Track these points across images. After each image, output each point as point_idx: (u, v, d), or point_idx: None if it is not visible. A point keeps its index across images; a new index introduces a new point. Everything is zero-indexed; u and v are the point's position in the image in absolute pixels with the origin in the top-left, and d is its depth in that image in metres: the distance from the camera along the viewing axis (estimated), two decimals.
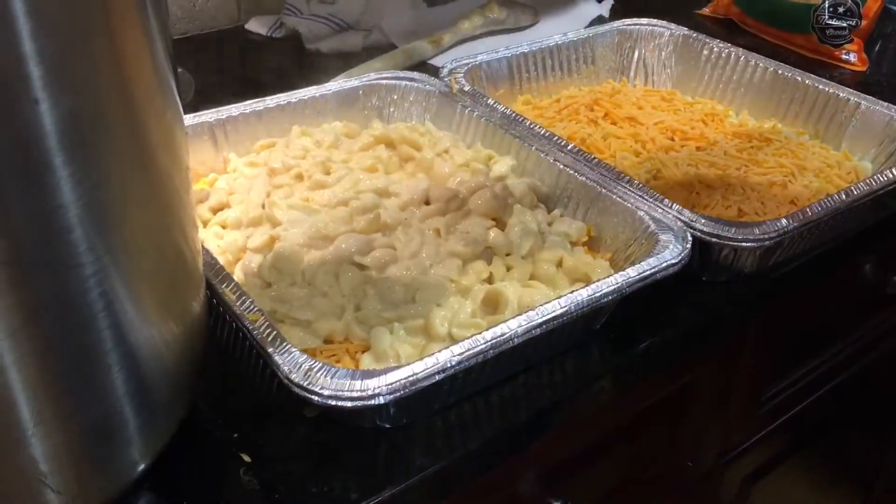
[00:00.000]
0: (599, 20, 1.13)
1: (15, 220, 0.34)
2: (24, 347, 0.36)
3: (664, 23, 0.97)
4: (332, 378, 0.46)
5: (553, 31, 0.99)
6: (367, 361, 0.53)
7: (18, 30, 0.31)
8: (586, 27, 1.08)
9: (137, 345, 0.41)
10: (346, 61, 0.99)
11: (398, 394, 0.46)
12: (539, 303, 0.52)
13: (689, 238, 0.59)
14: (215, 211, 0.66)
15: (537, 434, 0.57)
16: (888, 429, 1.18)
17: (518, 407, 0.55)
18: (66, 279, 0.36)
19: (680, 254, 0.57)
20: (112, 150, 0.37)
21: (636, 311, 0.61)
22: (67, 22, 0.33)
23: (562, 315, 0.51)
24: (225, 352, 0.56)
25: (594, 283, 0.54)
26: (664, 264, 0.56)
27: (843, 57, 1.04)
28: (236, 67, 1.02)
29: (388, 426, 0.52)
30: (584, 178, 0.67)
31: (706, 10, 1.19)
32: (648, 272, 0.55)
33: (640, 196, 0.64)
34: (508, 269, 0.60)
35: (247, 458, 0.51)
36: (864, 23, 1.02)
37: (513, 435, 0.55)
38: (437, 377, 0.47)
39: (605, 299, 0.53)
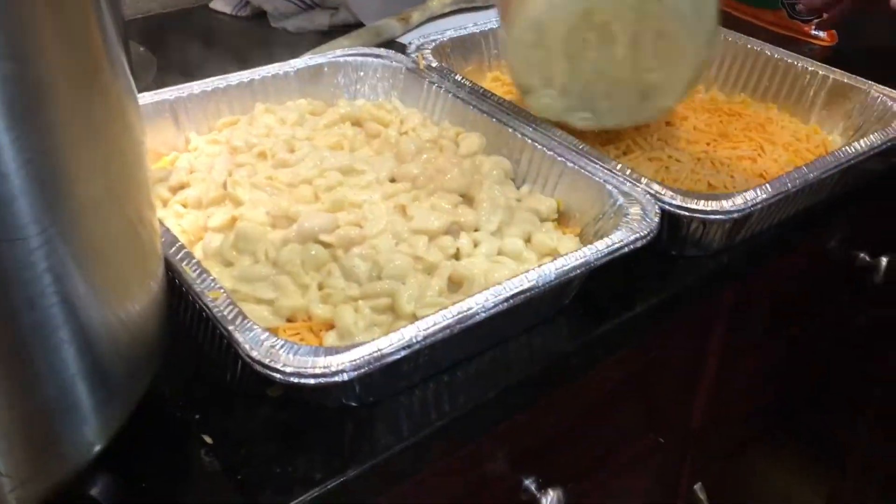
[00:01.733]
0: None
1: None
2: None
3: None
4: (294, 355, 0.45)
5: None
6: (330, 339, 0.52)
7: None
8: None
9: (90, 322, 0.40)
10: (313, 40, 0.97)
11: (362, 370, 0.45)
12: (506, 278, 0.52)
13: (658, 211, 0.59)
14: (175, 190, 0.64)
15: (506, 412, 0.56)
16: (860, 406, 1.19)
17: (486, 384, 0.54)
18: (9, 252, 0.35)
19: (648, 227, 0.57)
20: (57, 119, 0.36)
21: (606, 286, 0.61)
22: None
23: (529, 289, 0.50)
24: (188, 333, 0.55)
25: (562, 257, 0.54)
26: (633, 237, 0.56)
27: (813, 32, 1.04)
28: (200, 47, 1.00)
29: (353, 404, 0.51)
30: (552, 154, 0.66)
31: None
32: (617, 245, 0.55)
33: (608, 170, 0.64)
34: (476, 244, 0.59)
35: (208, 440, 0.50)
36: None
37: (481, 413, 0.54)
38: (401, 353, 0.46)
39: (573, 273, 0.53)
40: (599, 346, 0.60)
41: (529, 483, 0.66)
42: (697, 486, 0.92)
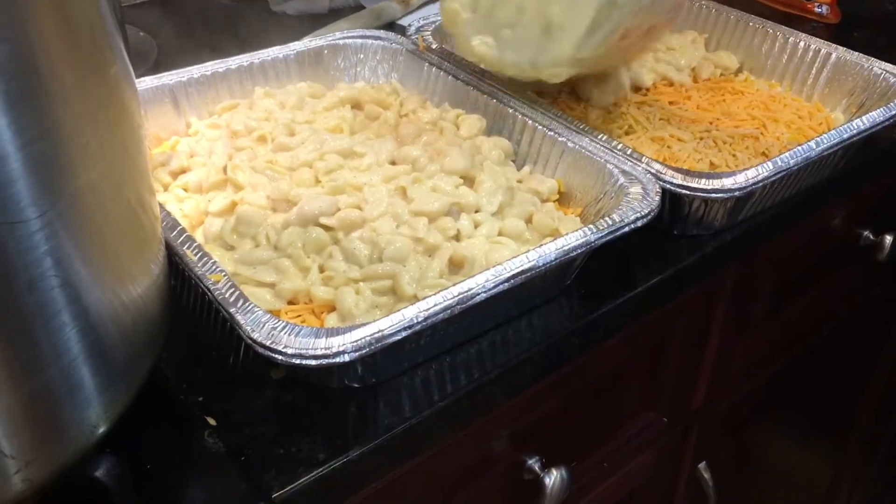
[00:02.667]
0: None
1: None
2: None
3: None
4: (296, 337, 0.45)
5: None
6: (332, 321, 0.52)
7: None
8: None
9: (91, 305, 0.40)
10: (312, 23, 0.97)
11: (363, 351, 0.45)
12: (507, 259, 0.52)
13: (659, 190, 0.58)
14: (176, 175, 0.64)
15: (509, 392, 0.56)
16: (863, 380, 1.19)
17: (489, 364, 0.54)
18: (9, 236, 0.35)
19: (649, 206, 0.57)
20: (54, 102, 0.36)
21: (608, 266, 0.61)
22: None
23: (530, 269, 0.50)
24: (191, 316, 0.55)
25: (563, 237, 0.54)
26: (633, 216, 0.55)
27: (816, 10, 1.03)
28: (200, 31, 1.00)
29: (356, 385, 0.51)
30: (553, 134, 0.66)
31: None
32: (618, 225, 0.55)
33: (609, 150, 0.64)
34: (477, 225, 0.59)
35: (212, 422, 0.50)
36: None
37: (483, 393, 0.54)
38: (403, 334, 0.46)
39: (574, 252, 0.53)
40: (601, 326, 0.60)
41: (533, 462, 0.66)
42: (702, 465, 0.92)
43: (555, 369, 0.60)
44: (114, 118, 0.41)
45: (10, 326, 0.37)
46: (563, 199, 0.65)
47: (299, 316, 0.53)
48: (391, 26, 0.98)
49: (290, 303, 0.55)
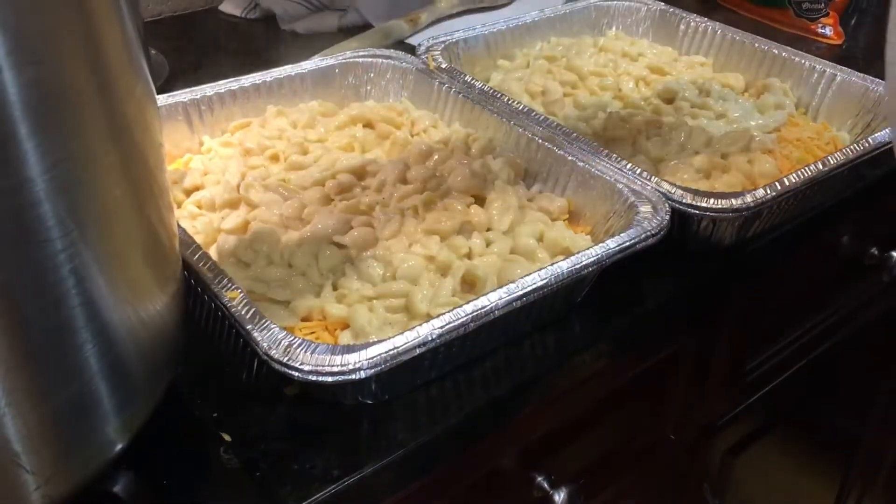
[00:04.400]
0: None
1: None
2: None
3: None
4: (312, 354, 0.46)
5: (530, 9, 0.98)
6: (346, 338, 0.53)
7: None
8: (563, 3, 1.07)
9: (111, 323, 0.41)
10: (322, 42, 0.98)
11: (379, 368, 0.45)
12: (519, 276, 0.52)
13: (668, 209, 0.59)
14: (189, 192, 0.65)
15: (519, 408, 0.57)
16: (868, 400, 1.19)
17: (499, 381, 0.55)
18: (34, 255, 0.36)
19: (659, 224, 0.57)
20: (80, 124, 0.36)
21: (617, 284, 0.61)
22: None
23: (542, 287, 0.51)
24: (204, 333, 0.56)
25: (574, 255, 0.54)
26: (644, 235, 0.56)
27: (819, 31, 1.04)
28: (211, 49, 1.01)
29: (369, 402, 0.52)
30: (562, 153, 0.67)
31: None
32: (628, 243, 0.55)
33: (618, 169, 0.64)
34: (488, 244, 0.60)
35: (227, 438, 0.50)
36: None
37: (494, 409, 0.54)
38: (417, 350, 0.47)
39: (586, 271, 0.53)
40: (611, 343, 0.61)
41: (542, 480, 0.66)
42: (707, 482, 0.92)
43: (565, 386, 0.60)
44: (137, 138, 0.42)
45: (32, 344, 0.38)
46: (572, 217, 0.66)
47: (313, 333, 0.54)
48: (400, 45, 0.99)
49: (304, 320, 0.55)
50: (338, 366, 0.45)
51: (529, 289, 0.50)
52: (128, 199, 0.42)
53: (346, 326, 0.54)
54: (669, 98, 0.80)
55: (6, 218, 0.34)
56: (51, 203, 0.36)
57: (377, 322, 0.53)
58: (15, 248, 0.35)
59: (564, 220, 0.65)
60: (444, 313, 0.49)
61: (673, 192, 0.61)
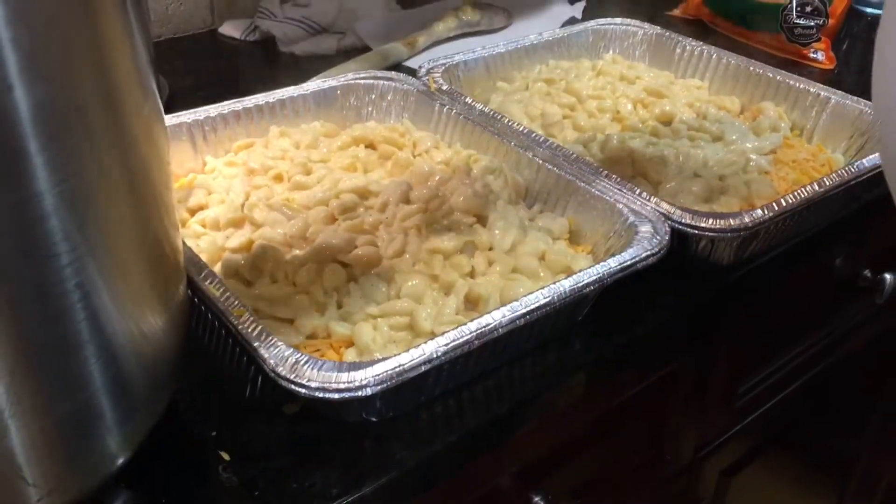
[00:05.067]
0: (572, 22, 1.14)
1: None
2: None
3: (637, 22, 0.99)
4: (318, 371, 0.46)
5: (526, 32, 1.00)
6: (350, 356, 0.53)
7: None
8: (560, 27, 1.09)
9: (115, 337, 0.41)
10: (320, 64, 0.99)
11: (384, 385, 0.46)
12: (522, 295, 0.53)
13: (668, 229, 0.60)
14: (194, 212, 0.66)
15: (518, 426, 0.57)
16: (863, 421, 1.20)
17: (500, 399, 0.55)
18: (41, 269, 0.36)
19: (659, 244, 0.58)
20: (89, 140, 0.37)
21: (617, 303, 0.62)
22: (43, 10, 0.33)
23: (545, 305, 0.52)
24: (206, 350, 0.56)
25: (576, 273, 0.55)
26: (644, 254, 0.57)
27: (811, 56, 1.05)
28: (211, 71, 1.02)
29: (373, 419, 0.52)
30: (563, 173, 0.68)
31: (676, 12, 1.20)
32: (629, 262, 0.56)
33: (618, 190, 0.65)
34: (490, 263, 0.60)
35: (226, 456, 0.50)
36: (831, 22, 1.04)
37: (494, 427, 0.55)
38: (423, 368, 0.47)
39: (588, 289, 0.54)
40: (611, 361, 0.61)
41: (538, 500, 0.66)
42: (704, 502, 0.93)
43: (565, 405, 0.61)
44: (144, 156, 0.42)
45: (37, 356, 0.38)
46: (573, 237, 0.66)
47: (318, 350, 0.54)
48: (398, 67, 1.00)
49: (308, 338, 0.55)
50: (344, 382, 0.45)
51: (532, 307, 0.51)
52: (134, 216, 0.42)
53: (350, 344, 0.55)
54: (667, 121, 0.81)
55: (14, 231, 0.35)
56: (59, 217, 0.36)
57: (381, 340, 0.53)
58: (22, 261, 0.35)
59: (565, 240, 0.65)
60: (448, 331, 0.49)
61: (672, 212, 0.62)
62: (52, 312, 0.38)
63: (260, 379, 0.53)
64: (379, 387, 0.45)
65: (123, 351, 0.42)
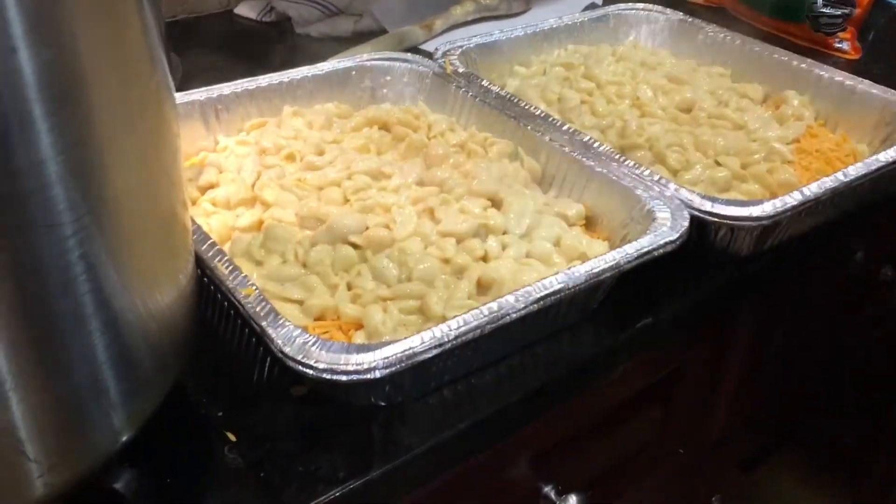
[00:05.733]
0: (592, 7, 1.12)
1: None
2: (1, 308, 0.35)
3: (659, 8, 0.97)
4: (327, 352, 0.45)
5: (545, 17, 0.98)
6: (359, 339, 0.52)
7: None
8: (581, 11, 1.07)
9: (121, 312, 0.40)
10: (336, 46, 0.98)
11: (394, 368, 0.45)
12: (535, 280, 0.52)
13: (687, 216, 0.58)
14: (204, 190, 0.65)
15: (530, 415, 0.56)
16: (879, 419, 1.18)
17: (511, 387, 0.54)
18: (44, 239, 0.35)
19: (678, 232, 0.56)
20: (96, 108, 0.36)
21: (632, 292, 0.60)
22: None
23: (559, 291, 0.50)
24: (214, 330, 0.55)
25: (591, 259, 0.54)
26: (663, 241, 0.55)
27: (837, 45, 1.03)
28: (225, 51, 1.01)
29: (381, 404, 0.51)
30: (580, 158, 0.66)
31: None
32: (647, 249, 0.55)
33: (636, 176, 0.64)
34: (504, 247, 0.59)
35: (232, 437, 0.50)
36: (857, 11, 1.02)
37: (505, 415, 0.54)
38: (434, 352, 0.46)
39: (603, 275, 0.52)
40: (623, 352, 0.60)
41: (549, 490, 0.65)
42: (715, 498, 0.91)
43: (575, 394, 0.59)
44: (153, 127, 0.41)
45: (40, 328, 0.37)
46: (589, 223, 0.65)
47: (326, 332, 0.53)
48: (414, 50, 0.99)
49: (317, 319, 0.54)
50: (353, 364, 0.44)
51: (546, 292, 0.50)
52: (141, 189, 0.41)
53: (359, 327, 0.54)
54: (687, 108, 0.80)
55: (17, 199, 0.34)
56: (63, 186, 0.35)
57: (391, 323, 0.52)
58: (23, 231, 0.34)
59: (581, 226, 0.64)
60: (460, 315, 0.48)
61: (692, 199, 0.61)
62: (55, 284, 0.37)
63: (269, 360, 0.52)
64: (388, 370, 0.44)
65: (129, 326, 0.42)
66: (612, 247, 0.61)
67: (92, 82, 0.36)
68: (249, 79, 0.75)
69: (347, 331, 0.54)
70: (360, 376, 0.44)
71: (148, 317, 0.43)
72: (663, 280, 0.62)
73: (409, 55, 0.82)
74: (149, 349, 0.44)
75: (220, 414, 0.51)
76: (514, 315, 0.48)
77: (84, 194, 0.36)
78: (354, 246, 0.57)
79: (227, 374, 0.54)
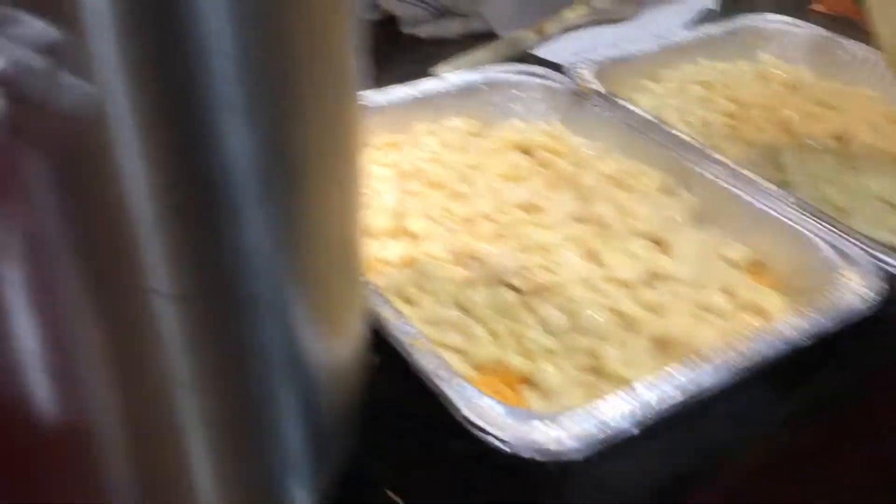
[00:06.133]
0: (709, 14, 1.06)
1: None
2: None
3: (791, 19, 0.91)
4: (515, 421, 0.41)
5: (656, 22, 0.92)
6: (533, 398, 0.48)
7: None
8: (704, 22, 1.01)
9: (312, 375, 0.37)
10: (445, 48, 0.93)
11: (596, 449, 0.41)
12: (714, 339, 0.47)
13: (881, 271, 0.53)
14: None
15: (713, 491, 0.52)
16: None
17: (694, 456, 0.49)
18: (246, 316, 0.32)
19: (875, 290, 0.52)
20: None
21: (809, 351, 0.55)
22: None
23: (763, 361, 0.46)
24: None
25: (778, 322, 0.49)
26: (862, 303, 0.51)
27: None
28: None
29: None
30: (742, 194, 0.61)
31: (820, 7, 1.11)
32: (847, 311, 0.50)
33: (810, 217, 0.59)
34: (674, 296, 0.55)
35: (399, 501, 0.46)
36: None
37: (686, 489, 0.49)
38: (634, 431, 0.42)
39: (805, 342, 0.48)
40: (804, 419, 0.55)
41: None
42: None
43: (755, 462, 0.55)
44: (350, 152, 0.38)
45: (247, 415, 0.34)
46: (751, 267, 0.60)
47: (497, 391, 0.49)
48: (525, 57, 0.94)
49: (475, 369, 0.51)
50: (553, 442, 0.40)
51: (753, 362, 0.45)
52: (332, 225, 0.38)
53: (523, 380, 0.50)
54: (842, 137, 0.74)
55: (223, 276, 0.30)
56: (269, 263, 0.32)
57: (566, 382, 0.48)
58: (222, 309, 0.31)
59: (747, 271, 0.59)
60: (641, 380, 0.44)
61: (885, 251, 0.55)
62: (261, 364, 0.34)
63: (439, 419, 0.48)
64: (590, 451, 0.41)
65: (319, 394, 0.38)
66: (786, 297, 0.56)
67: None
68: (376, 89, 0.71)
69: (513, 384, 0.50)
70: (557, 458, 0.40)
71: (334, 382, 0.39)
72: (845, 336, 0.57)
73: (538, 69, 0.77)
74: (333, 417, 0.40)
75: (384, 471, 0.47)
76: (716, 389, 0.44)
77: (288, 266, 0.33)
78: (514, 289, 0.53)
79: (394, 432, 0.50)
